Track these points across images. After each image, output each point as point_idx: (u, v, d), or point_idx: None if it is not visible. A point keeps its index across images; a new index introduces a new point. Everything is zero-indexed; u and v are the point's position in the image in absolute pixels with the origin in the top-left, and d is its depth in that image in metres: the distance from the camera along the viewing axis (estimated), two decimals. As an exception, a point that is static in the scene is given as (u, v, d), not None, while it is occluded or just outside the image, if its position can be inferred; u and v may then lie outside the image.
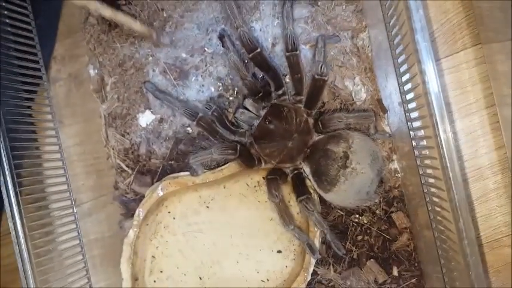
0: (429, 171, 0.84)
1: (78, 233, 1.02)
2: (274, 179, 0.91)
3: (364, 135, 0.90)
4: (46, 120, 1.05)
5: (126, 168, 1.07)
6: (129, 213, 1.05)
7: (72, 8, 1.08)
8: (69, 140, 1.09)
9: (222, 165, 0.97)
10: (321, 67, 0.88)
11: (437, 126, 0.74)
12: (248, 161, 0.93)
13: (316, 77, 0.89)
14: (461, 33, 0.98)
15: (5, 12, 0.92)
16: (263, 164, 0.95)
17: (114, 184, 1.08)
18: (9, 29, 0.93)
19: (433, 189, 0.84)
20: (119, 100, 1.07)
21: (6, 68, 0.91)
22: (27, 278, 0.83)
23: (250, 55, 0.90)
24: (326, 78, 0.89)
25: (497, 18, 0.91)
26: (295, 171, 0.94)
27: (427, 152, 0.83)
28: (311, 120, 0.93)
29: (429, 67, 0.72)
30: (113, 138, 1.08)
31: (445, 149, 0.74)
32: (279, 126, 0.92)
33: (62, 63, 1.11)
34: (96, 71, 1.09)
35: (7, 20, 0.93)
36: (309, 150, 0.91)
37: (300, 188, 0.92)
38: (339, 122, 0.90)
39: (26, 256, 0.85)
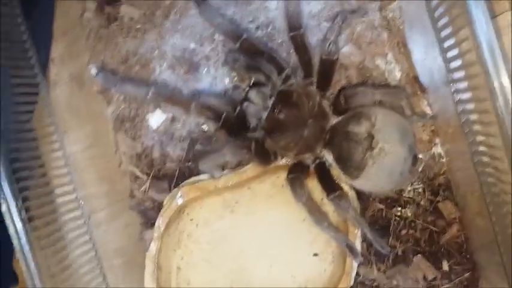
0: (485, 150, 0.73)
1: (93, 244, 0.96)
2: (296, 177, 0.82)
3: (388, 110, 0.81)
4: (48, 131, 0.97)
5: (141, 175, 0.99)
6: (149, 223, 0.98)
7: (65, 5, 0.99)
8: (75, 146, 1.01)
9: (244, 164, 0.88)
10: (329, 46, 0.80)
11: (495, 92, 0.63)
12: (264, 157, 0.84)
13: (324, 57, 0.81)
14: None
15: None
16: (280, 158, 0.86)
17: (130, 192, 1.00)
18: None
19: (490, 170, 0.74)
20: (126, 101, 0.98)
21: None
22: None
23: (238, 44, 0.82)
24: (335, 58, 0.81)
25: None
26: (317, 161, 0.85)
27: (479, 129, 0.73)
28: (326, 102, 0.84)
29: (483, 26, 0.61)
30: (123, 143, 1.00)
31: (505, 121, 0.63)
32: (290, 114, 0.82)
33: (62, 65, 1.03)
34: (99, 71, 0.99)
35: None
36: (328, 135, 0.82)
37: (328, 183, 0.82)
38: (365, 97, 0.80)
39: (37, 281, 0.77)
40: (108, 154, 1.01)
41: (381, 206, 0.90)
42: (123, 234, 1.00)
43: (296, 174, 0.81)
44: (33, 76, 0.94)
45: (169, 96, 0.82)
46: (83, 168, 1.01)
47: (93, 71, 0.96)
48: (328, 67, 0.80)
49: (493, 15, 0.80)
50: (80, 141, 1.01)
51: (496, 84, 0.62)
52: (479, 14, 0.62)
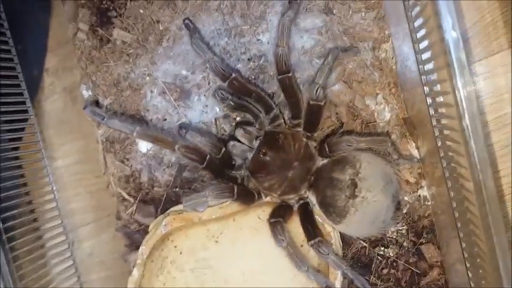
0: (462, 198, 0.74)
1: (74, 261, 0.97)
2: (277, 222, 0.82)
3: (373, 156, 0.81)
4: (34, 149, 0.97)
5: (128, 197, 0.99)
6: (133, 245, 0.98)
7: (58, 23, 0.99)
8: (63, 160, 1.01)
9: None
10: (317, 90, 0.79)
11: (471, 142, 0.65)
12: (247, 199, 0.84)
13: (311, 102, 0.80)
14: (497, 34, 0.84)
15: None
16: (264, 197, 0.86)
17: (116, 214, 1.01)
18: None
19: (466, 218, 0.74)
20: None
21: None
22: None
23: (226, 83, 0.82)
24: (322, 103, 0.80)
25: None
26: (301, 201, 0.85)
27: (462, 176, 0.72)
28: (312, 144, 0.84)
29: (462, 81, 0.63)
30: (112, 165, 1.00)
31: (480, 172, 0.65)
32: (276, 156, 0.82)
33: (56, 76, 1.03)
34: (89, 91, 0.99)
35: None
36: (313, 177, 0.82)
37: (309, 228, 0.82)
38: (348, 146, 0.79)
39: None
40: (97, 170, 1.01)
41: (364, 244, 0.91)
42: (105, 250, 1.01)
43: (277, 219, 0.81)
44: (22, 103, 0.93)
45: (154, 136, 0.81)
46: (69, 183, 1.01)
47: (83, 91, 0.97)
48: (316, 111, 0.80)
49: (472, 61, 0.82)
50: (68, 156, 1.01)
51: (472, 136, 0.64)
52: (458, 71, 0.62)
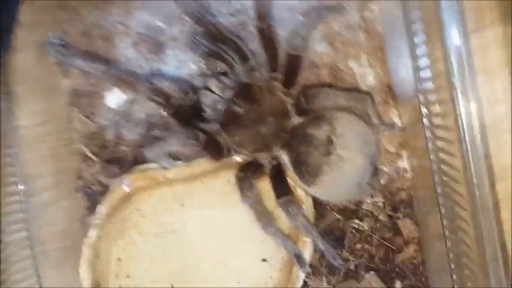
0: (446, 169, 0.69)
1: (27, 230, 0.87)
2: (245, 176, 0.77)
3: (351, 116, 0.77)
4: None
5: (91, 155, 0.93)
6: (94, 207, 0.91)
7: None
8: (28, 119, 0.93)
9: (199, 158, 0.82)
10: (297, 41, 0.76)
11: (461, 117, 0.60)
12: (215, 152, 0.79)
13: (291, 52, 0.76)
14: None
15: None
16: (234, 154, 0.81)
17: (78, 173, 0.94)
18: None
19: (449, 191, 0.69)
20: (85, 75, 0.92)
21: None
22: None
23: (203, 29, 0.78)
24: (302, 55, 0.76)
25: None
26: (273, 162, 0.80)
27: (445, 147, 0.68)
28: (289, 101, 0.79)
29: (455, 49, 0.56)
30: (77, 120, 0.94)
31: (468, 144, 0.60)
32: (250, 109, 0.78)
33: (29, 30, 0.94)
34: (58, 40, 0.93)
35: None
36: (287, 135, 0.78)
37: (279, 186, 0.78)
38: (326, 99, 0.76)
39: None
40: (61, 131, 0.95)
41: (338, 217, 0.86)
42: (65, 218, 0.93)
43: (246, 173, 0.76)
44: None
45: (119, 76, 0.76)
46: (32, 144, 0.93)
47: (51, 40, 0.91)
48: (295, 63, 0.76)
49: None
50: (33, 116, 0.93)
51: (461, 101, 0.58)
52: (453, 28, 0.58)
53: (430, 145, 0.72)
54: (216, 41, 0.77)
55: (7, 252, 0.82)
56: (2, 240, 0.83)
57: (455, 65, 0.57)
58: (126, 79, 0.76)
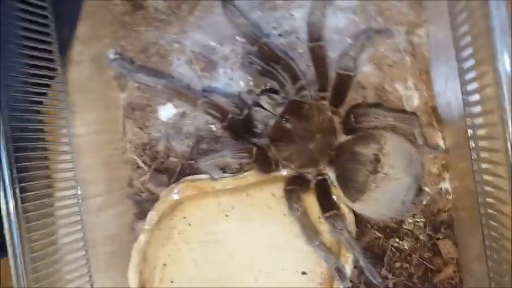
0: (491, 190, 0.70)
1: (83, 232, 0.91)
2: (293, 189, 0.80)
3: (398, 136, 0.79)
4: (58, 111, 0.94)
5: (142, 165, 0.98)
6: (142, 214, 0.96)
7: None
8: (84, 128, 0.99)
9: (246, 170, 0.86)
10: (347, 61, 0.79)
11: (510, 140, 0.60)
12: (265, 165, 0.82)
13: (341, 72, 0.79)
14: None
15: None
16: (281, 168, 0.84)
17: (129, 181, 0.99)
18: (18, 4, 0.82)
19: (493, 212, 0.70)
20: (140, 90, 0.98)
21: (15, 49, 0.81)
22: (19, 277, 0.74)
23: (256, 48, 0.82)
24: (352, 74, 0.79)
25: None
26: (319, 177, 0.83)
27: (491, 169, 0.69)
28: (337, 119, 0.82)
29: (508, 77, 0.58)
30: (131, 131, 0.99)
31: None
32: (298, 125, 0.81)
33: (85, 44, 1.01)
34: (117, 56, 0.99)
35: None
36: (334, 152, 0.80)
37: (325, 202, 0.80)
38: (376, 118, 0.78)
39: (19, 259, 0.75)
40: (115, 141, 1.00)
41: (379, 235, 0.88)
42: (115, 223, 0.98)
43: (294, 186, 0.79)
44: (49, 51, 0.92)
45: (179, 90, 0.81)
46: (87, 152, 0.98)
47: (111, 55, 0.97)
48: (344, 82, 0.79)
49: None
50: (88, 125, 0.99)
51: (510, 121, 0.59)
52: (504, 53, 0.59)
53: (475, 167, 0.73)
54: (268, 60, 0.81)
55: (62, 252, 0.86)
56: (58, 241, 0.89)
57: (505, 89, 0.58)
58: (185, 93, 0.80)
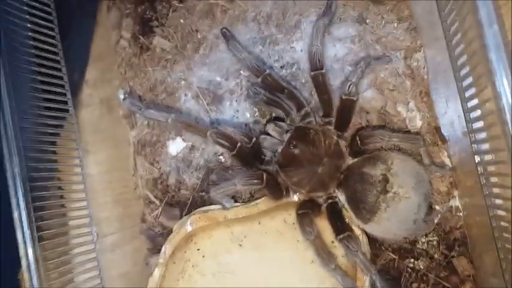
0: (501, 203, 0.71)
1: (99, 270, 0.92)
2: (305, 213, 0.81)
3: (405, 155, 0.81)
4: (71, 152, 0.97)
5: (154, 200, 1.00)
6: (156, 249, 0.97)
7: (104, 29, 1.04)
8: (96, 168, 1.01)
9: (257, 198, 0.87)
10: (349, 86, 0.81)
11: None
12: (275, 192, 0.84)
13: (344, 97, 0.81)
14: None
15: (29, 34, 0.87)
16: (292, 194, 0.86)
17: (142, 216, 1.01)
18: (33, 51, 0.87)
19: (505, 224, 0.71)
20: (149, 126, 1.01)
21: (30, 93, 0.85)
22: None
23: (260, 79, 0.85)
24: (355, 99, 0.81)
25: None
26: (330, 201, 0.84)
27: (499, 182, 0.71)
28: (343, 143, 0.84)
29: (506, 89, 0.60)
30: (142, 167, 1.02)
31: None
32: (306, 150, 0.82)
33: (94, 88, 1.05)
34: (127, 95, 1.03)
35: (31, 42, 0.87)
36: (342, 175, 0.82)
37: (338, 224, 0.81)
38: (381, 140, 0.79)
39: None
40: (126, 178, 1.02)
41: (394, 256, 0.88)
42: (130, 259, 0.99)
43: (306, 210, 0.80)
44: (63, 94, 0.96)
45: (188, 123, 0.83)
46: (100, 191, 1.00)
47: (121, 95, 1.01)
48: (348, 107, 0.81)
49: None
50: (100, 164, 1.01)
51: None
52: (501, 77, 0.61)
53: (483, 181, 0.74)
54: (273, 90, 0.84)
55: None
56: (75, 279, 0.89)
57: (506, 103, 0.60)
58: (195, 125, 0.83)
